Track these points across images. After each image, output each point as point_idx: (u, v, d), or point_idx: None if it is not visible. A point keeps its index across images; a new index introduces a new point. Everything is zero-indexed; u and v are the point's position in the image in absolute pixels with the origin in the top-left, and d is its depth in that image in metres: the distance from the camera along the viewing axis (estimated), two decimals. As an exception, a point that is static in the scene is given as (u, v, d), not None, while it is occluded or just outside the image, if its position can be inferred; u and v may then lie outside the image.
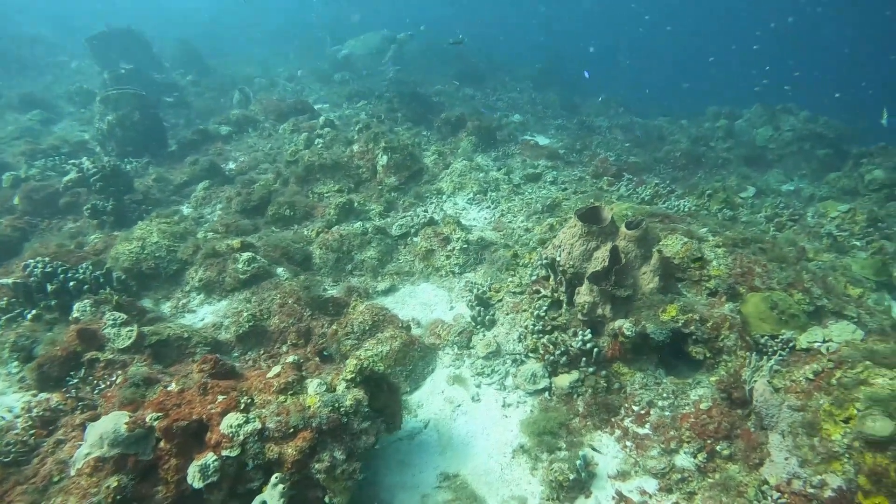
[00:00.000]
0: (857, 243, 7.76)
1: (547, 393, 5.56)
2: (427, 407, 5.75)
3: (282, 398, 4.63)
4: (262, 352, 6.07)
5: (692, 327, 5.49)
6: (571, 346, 5.60)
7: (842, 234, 7.76)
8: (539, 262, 6.56)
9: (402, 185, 8.81)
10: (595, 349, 5.51)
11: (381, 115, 11.74)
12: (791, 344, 5.61)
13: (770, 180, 11.32)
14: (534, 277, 6.46)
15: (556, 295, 6.21)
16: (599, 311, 5.78)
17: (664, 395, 5.47)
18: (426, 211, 7.94)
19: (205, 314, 6.48)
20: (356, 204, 8.41)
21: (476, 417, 5.56)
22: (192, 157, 9.55)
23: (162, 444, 4.07)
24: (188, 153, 10.10)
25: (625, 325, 5.46)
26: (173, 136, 10.79)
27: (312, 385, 4.72)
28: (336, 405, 4.49)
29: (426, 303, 6.97)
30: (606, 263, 5.92)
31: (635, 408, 5.40)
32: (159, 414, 4.17)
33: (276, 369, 4.98)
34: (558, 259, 6.09)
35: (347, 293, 7.03)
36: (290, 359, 5.03)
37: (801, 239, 7.87)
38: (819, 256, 7.24)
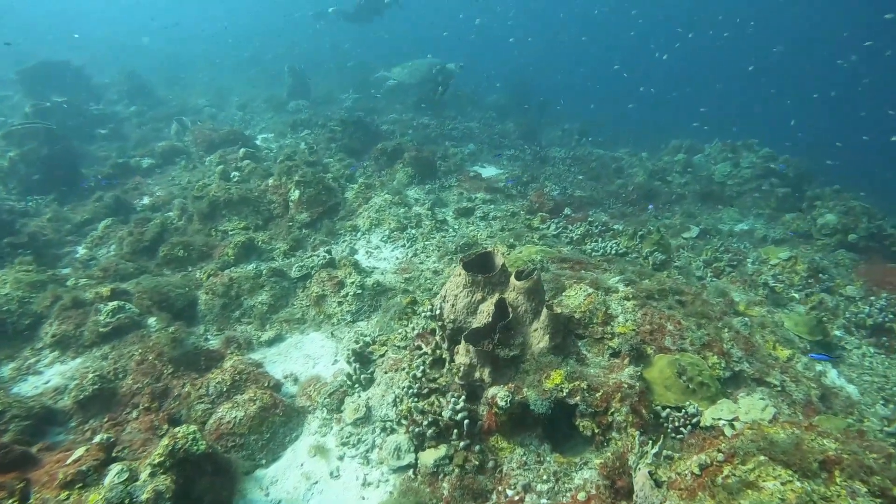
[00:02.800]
0: (796, 295, 7.09)
1: (411, 471, 4.81)
2: (281, 483, 5.04)
3: (64, 495, 3.93)
4: (105, 420, 5.36)
5: (578, 398, 4.78)
6: (441, 416, 4.89)
7: (779, 284, 7.09)
8: (425, 314, 5.92)
9: (314, 222, 8.23)
10: (466, 420, 4.80)
11: (313, 145, 11.29)
12: (696, 419, 4.90)
13: (724, 218, 10.72)
14: (417, 331, 5.80)
15: (438, 352, 5.55)
16: (477, 374, 5.09)
17: (545, 476, 4.74)
18: (329, 251, 7.33)
19: (52, 376, 5.80)
20: (259, 242, 7.84)
21: (331, 499, 4.85)
22: (98, 193, 9.04)
23: None
24: (106, 189, 9.62)
25: (499, 395, 4.78)
26: (98, 170, 10.33)
27: (112, 473, 4.03)
28: (126, 502, 3.77)
29: (310, 355, 6.31)
30: (490, 319, 5.25)
31: (509, 492, 4.66)
32: None
33: (80, 452, 4.30)
34: (436, 312, 5.45)
35: (225, 345, 6.38)
36: (99, 438, 4.36)
37: (735, 289, 7.20)
38: (749, 310, 6.58)
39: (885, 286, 7.05)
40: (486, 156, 13.07)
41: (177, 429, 4.19)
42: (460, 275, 5.37)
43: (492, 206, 9.68)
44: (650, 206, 8.22)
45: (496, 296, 5.28)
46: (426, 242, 7.96)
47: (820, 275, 7.29)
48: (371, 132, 12.18)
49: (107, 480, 3.90)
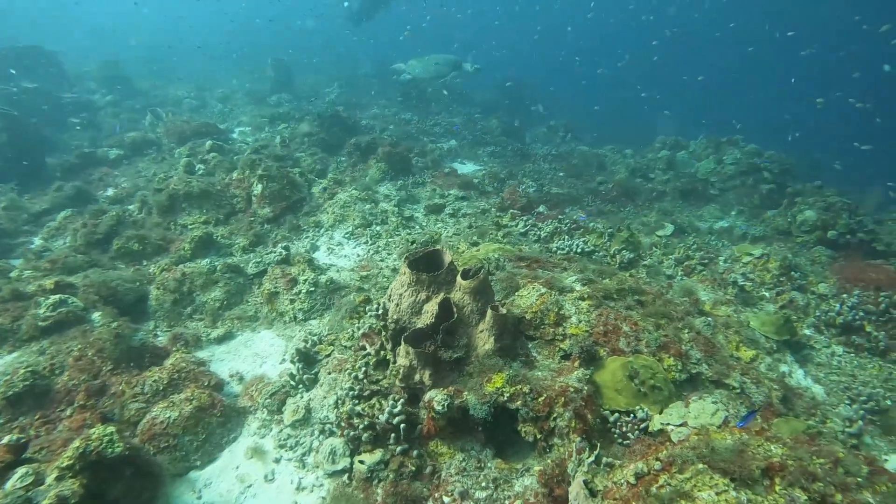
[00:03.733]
0: (767, 294, 6.85)
1: (346, 476, 4.62)
2: (215, 486, 4.86)
3: (-43, 500, 3.73)
4: (37, 417, 5.16)
5: (519, 402, 4.56)
6: (377, 420, 4.68)
7: (749, 283, 6.85)
8: (372, 313, 5.71)
9: (277, 217, 8.02)
10: (403, 425, 4.59)
11: (286, 139, 11.07)
12: (645, 424, 4.69)
13: (705, 216, 10.47)
14: (363, 330, 5.60)
15: (382, 353, 5.35)
16: (417, 376, 4.89)
17: (483, 483, 4.54)
18: (286, 247, 7.12)
19: (-14, 370, 5.61)
20: (218, 237, 7.63)
21: (264, 502, 4.63)
22: (59, 182, 8.85)
23: None
24: (72, 178, 9.43)
25: (436, 399, 4.58)
26: (66, 160, 10.12)
27: (15, 476, 3.84)
28: (23, 509, 3.56)
29: (259, 353, 6.12)
30: (433, 319, 5.06)
31: (445, 499, 4.47)
32: None
33: (-14, 453, 4.11)
34: (380, 311, 5.26)
35: (173, 342, 6.18)
36: (7, 439, 4.17)
37: (704, 288, 6.96)
38: (715, 310, 6.34)
39: (858, 283, 6.80)
40: (467, 152, 12.83)
41: (92, 430, 4.00)
42: (405, 273, 5.17)
43: (464, 203, 9.45)
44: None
45: (441, 295, 5.08)
46: (389, 239, 7.75)
47: (792, 272, 7.05)
48: (348, 127, 11.95)
49: (8, 484, 3.72)
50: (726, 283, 7.03)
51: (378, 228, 8.03)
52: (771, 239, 9.20)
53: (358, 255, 7.55)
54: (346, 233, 7.90)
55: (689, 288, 6.69)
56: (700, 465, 3.51)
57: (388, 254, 7.38)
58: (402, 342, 4.83)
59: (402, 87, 15.86)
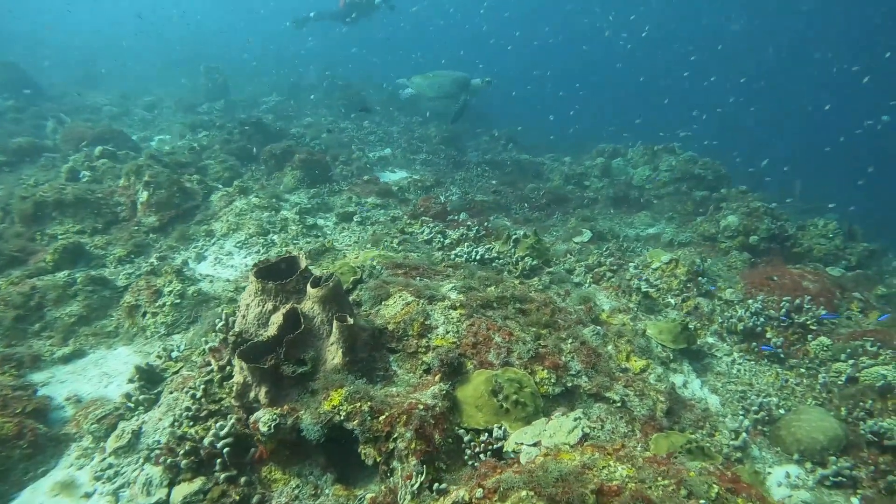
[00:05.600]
0: (672, 301, 6.63)
1: (163, 510, 4.14)
2: (8, 534, 4.28)
3: None
4: None
5: (356, 421, 4.17)
6: (201, 444, 4.24)
7: (653, 289, 6.63)
8: (217, 325, 5.29)
9: (164, 226, 7.57)
10: (227, 449, 4.16)
11: (195, 146, 10.68)
12: (500, 444, 4.36)
13: (635, 223, 10.35)
14: (212, 344, 5.16)
15: (228, 369, 4.92)
16: (252, 394, 4.47)
17: (316, 513, 4.09)
18: (162, 257, 6.67)
19: None
20: (91, 247, 7.12)
21: (65, 546, 4.10)
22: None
23: None
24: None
25: (262, 420, 4.16)
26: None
27: None
28: None
29: (109, 373, 5.63)
30: (277, 331, 4.69)
31: (270, 532, 4.01)
32: None
33: None
34: (221, 323, 4.86)
35: (1, 364, 5.62)
36: None
37: (607, 295, 6.72)
38: (611, 318, 6.07)
39: (762, 288, 6.65)
40: (400, 160, 12.59)
41: None
42: (252, 282, 4.81)
43: (381, 211, 9.14)
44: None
45: (289, 305, 4.72)
46: (285, 248, 7.36)
47: (700, 278, 6.87)
48: (272, 134, 11.61)
49: None
50: (631, 290, 6.80)
51: (275, 237, 7.64)
52: (697, 245, 9.09)
53: (246, 266, 7.14)
54: (239, 241, 7.49)
55: (586, 295, 6.43)
56: (524, 493, 3.15)
57: (277, 263, 6.98)
58: (236, 357, 4.42)
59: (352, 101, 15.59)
